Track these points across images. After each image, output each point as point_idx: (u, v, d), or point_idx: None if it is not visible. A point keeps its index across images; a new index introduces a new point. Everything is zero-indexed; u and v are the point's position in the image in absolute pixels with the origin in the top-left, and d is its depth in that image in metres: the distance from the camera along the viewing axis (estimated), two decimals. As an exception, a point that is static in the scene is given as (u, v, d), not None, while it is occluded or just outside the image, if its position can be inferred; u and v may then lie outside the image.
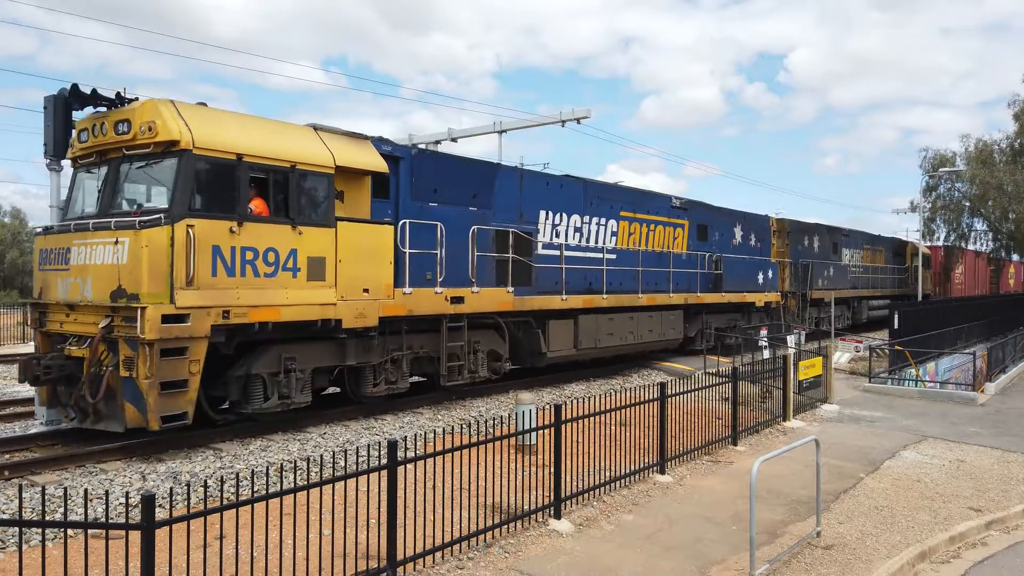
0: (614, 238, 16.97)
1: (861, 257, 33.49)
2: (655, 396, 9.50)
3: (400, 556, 6.05)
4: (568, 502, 7.91)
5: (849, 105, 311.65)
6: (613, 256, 16.67)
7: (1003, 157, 38.72)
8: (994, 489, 9.85)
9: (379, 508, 6.18)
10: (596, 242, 16.41)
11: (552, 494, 7.72)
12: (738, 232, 22.38)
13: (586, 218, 16.16)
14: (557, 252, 15.10)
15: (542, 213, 14.89)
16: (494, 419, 10.74)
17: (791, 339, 18.15)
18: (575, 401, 10.08)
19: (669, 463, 9.71)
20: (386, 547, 5.97)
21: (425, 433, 10.50)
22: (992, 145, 39.32)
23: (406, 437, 8.56)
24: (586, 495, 8.28)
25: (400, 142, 14.83)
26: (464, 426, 8.50)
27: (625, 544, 7.23)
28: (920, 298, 36.71)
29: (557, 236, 15.30)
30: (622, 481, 8.92)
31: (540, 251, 14.70)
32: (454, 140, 28.54)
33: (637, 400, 9.30)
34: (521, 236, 14.11)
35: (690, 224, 19.96)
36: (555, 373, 16.03)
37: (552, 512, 7.66)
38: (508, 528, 7.16)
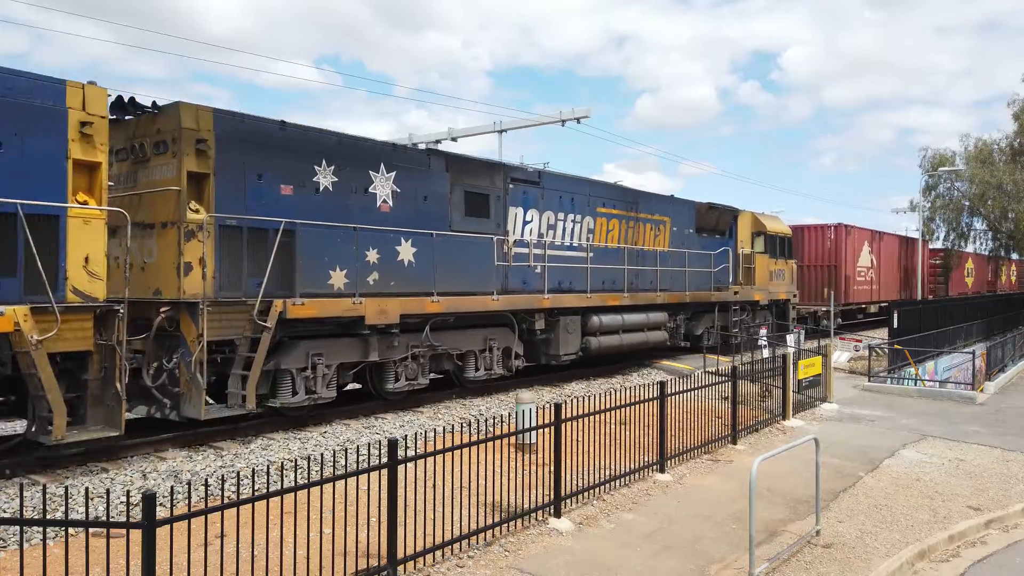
0: None
1: (590, 229, 16.24)
2: (655, 395, 9.52)
3: (400, 555, 6.07)
4: (568, 501, 7.92)
5: (845, 104, 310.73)
6: None
7: (1002, 157, 38.90)
8: (993, 488, 9.87)
9: (379, 507, 6.20)
10: None
11: (552, 493, 7.74)
12: None
13: None
14: None
15: None
16: (494, 418, 10.75)
17: (791, 338, 18.20)
18: (575, 400, 10.08)
19: (669, 462, 9.72)
20: (386, 545, 5.99)
21: (425, 432, 10.53)
22: (991, 145, 39.56)
23: (406, 436, 8.57)
24: (586, 494, 8.30)
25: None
26: (464, 425, 8.53)
27: (625, 543, 7.25)
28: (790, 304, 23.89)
29: None
30: (622, 480, 8.94)
31: None
32: (454, 140, 28.67)
33: (637, 399, 9.31)
34: None
35: None
36: (555, 372, 15.93)
37: (552, 511, 7.67)
38: (508, 527, 7.18)
